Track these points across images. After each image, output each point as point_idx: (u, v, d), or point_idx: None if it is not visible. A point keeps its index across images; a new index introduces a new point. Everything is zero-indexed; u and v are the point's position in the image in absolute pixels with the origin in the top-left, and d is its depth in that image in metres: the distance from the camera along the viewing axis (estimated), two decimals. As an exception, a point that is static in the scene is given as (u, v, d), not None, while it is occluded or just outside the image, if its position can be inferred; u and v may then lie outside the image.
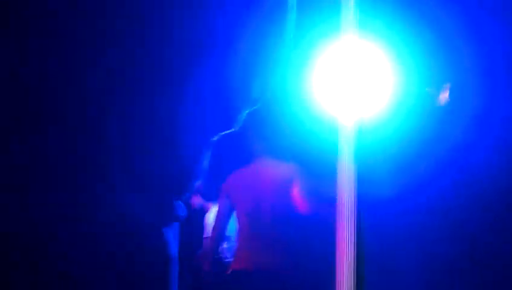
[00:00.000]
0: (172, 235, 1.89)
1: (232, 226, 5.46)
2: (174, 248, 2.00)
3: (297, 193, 4.81)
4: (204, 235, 5.52)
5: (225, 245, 5.56)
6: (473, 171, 5.71)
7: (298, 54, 4.20)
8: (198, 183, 5.25)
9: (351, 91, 3.73)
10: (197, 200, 5.44)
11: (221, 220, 5.08)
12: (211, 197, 5.47)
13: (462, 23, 5.00)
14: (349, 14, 3.65)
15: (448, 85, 4.74)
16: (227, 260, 5.59)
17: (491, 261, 5.60)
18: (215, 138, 2.16)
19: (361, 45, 3.71)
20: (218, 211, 5.09)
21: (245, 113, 2.03)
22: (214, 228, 5.09)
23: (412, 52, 4.36)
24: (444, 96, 4.89)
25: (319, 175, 4.79)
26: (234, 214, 5.12)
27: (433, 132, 5.33)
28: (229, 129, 2.03)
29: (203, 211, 5.53)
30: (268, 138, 5.06)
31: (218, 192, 5.30)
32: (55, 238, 4.75)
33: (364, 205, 3.68)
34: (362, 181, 3.64)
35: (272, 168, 4.88)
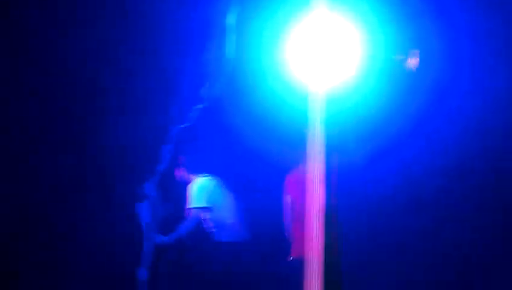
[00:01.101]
0: (144, 212, 2.01)
1: (216, 199, 5.69)
2: (146, 223, 2.12)
3: None
4: (191, 206, 5.62)
5: (207, 216, 5.68)
6: (437, 137, 5.83)
7: (271, 26, 4.28)
8: (182, 159, 5.36)
9: (321, 60, 3.87)
10: (181, 174, 5.55)
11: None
12: (193, 171, 5.58)
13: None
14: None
15: (416, 52, 4.85)
16: (210, 230, 5.75)
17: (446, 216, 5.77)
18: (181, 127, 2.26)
19: (330, 15, 3.83)
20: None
21: (217, 88, 2.12)
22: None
23: (380, 20, 4.47)
24: (412, 63, 5.00)
25: (290, 142, 4.90)
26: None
27: (400, 99, 5.48)
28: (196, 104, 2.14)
29: (186, 183, 5.64)
30: (243, 109, 5.23)
31: (200, 165, 5.60)
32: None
33: (334, 173, 3.81)
34: (331, 148, 3.75)
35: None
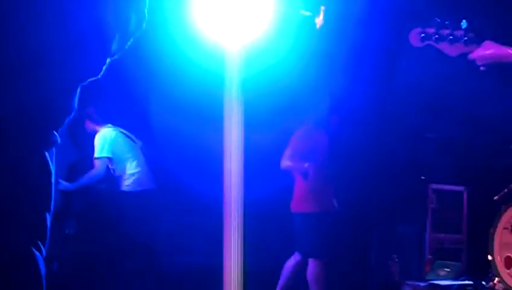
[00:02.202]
0: (52, 159, 1.94)
1: (120, 149, 5.78)
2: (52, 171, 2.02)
3: None
4: (95, 156, 5.73)
5: (111, 166, 5.83)
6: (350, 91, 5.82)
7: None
8: (89, 110, 5.70)
9: (232, 18, 3.74)
10: (89, 125, 5.84)
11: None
12: (100, 121, 5.81)
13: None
14: None
15: (323, 8, 4.80)
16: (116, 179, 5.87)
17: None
18: (86, 82, 2.13)
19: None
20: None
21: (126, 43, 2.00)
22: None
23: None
24: (320, 19, 4.94)
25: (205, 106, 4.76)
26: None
27: (312, 56, 5.43)
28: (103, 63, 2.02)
29: (94, 134, 5.80)
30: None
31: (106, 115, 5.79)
32: None
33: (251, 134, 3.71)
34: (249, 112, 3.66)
35: None
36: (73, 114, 2.10)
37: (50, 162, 2.05)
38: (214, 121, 3.77)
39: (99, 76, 2.13)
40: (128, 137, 5.95)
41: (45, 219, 2.05)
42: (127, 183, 5.84)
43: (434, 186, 6.06)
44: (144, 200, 5.83)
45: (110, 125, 5.88)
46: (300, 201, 5.51)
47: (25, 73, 1.97)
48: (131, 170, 5.84)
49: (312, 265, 5.43)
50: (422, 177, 6.12)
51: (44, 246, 2.05)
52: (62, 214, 5.78)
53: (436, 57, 2.82)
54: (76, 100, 2.11)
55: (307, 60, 5.48)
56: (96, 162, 5.75)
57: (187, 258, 6.18)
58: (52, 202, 2.07)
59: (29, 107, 1.98)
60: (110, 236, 5.68)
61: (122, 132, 5.91)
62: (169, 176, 6.11)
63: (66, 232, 5.72)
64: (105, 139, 5.77)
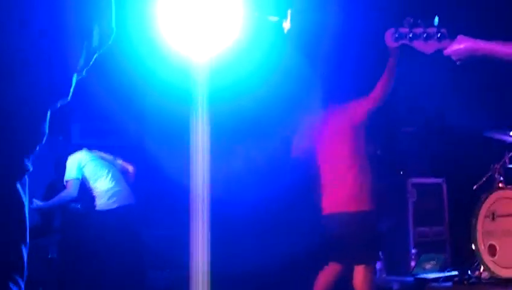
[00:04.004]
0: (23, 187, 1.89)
1: (92, 169, 5.81)
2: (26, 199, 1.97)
3: None
4: (65, 179, 5.78)
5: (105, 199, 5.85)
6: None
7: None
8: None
9: (199, 28, 3.68)
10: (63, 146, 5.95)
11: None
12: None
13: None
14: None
15: (289, 12, 4.77)
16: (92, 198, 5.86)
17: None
18: (58, 104, 2.06)
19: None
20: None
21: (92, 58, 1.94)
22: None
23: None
24: (287, 23, 4.91)
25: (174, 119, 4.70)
26: None
27: (281, 63, 5.39)
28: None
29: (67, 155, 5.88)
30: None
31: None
32: None
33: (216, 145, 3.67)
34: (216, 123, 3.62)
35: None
36: (44, 140, 2.03)
37: (22, 194, 1.98)
38: (182, 135, 3.72)
39: (68, 99, 2.06)
40: (103, 158, 6.00)
41: (21, 252, 1.98)
42: (101, 202, 5.86)
43: (413, 180, 6.07)
44: (120, 217, 5.83)
45: (85, 149, 5.96)
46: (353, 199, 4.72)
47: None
48: (104, 188, 5.86)
49: (363, 272, 4.64)
50: (401, 172, 6.13)
51: (23, 280, 1.98)
52: (44, 238, 5.82)
53: (409, 53, 2.81)
54: (46, 125, 2.03)
55: (277, 69, 5.42)
56: (68, 184, 5.80)
57: (172, 271, 6.15)
58: (27, 233, 2.00)
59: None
60: (91, 256, 5.65)
61: (95, 154, 5.97)
62: (144, 192, 6.12)
63: (49, 256, 5.69)
64: (76, 161, 5.83)
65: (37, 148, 2.02)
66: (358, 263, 4.63)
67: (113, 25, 2.10)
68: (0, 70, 1.89)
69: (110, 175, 5.91)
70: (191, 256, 3.43)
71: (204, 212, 3.49)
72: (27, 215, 1.99)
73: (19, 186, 1.96)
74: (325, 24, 5.51)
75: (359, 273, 4.62)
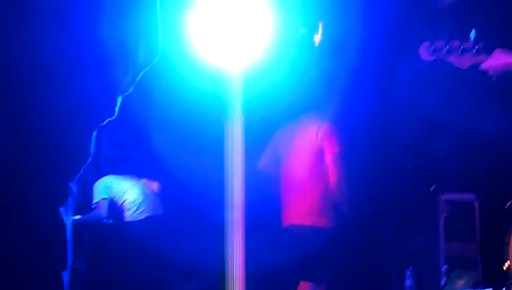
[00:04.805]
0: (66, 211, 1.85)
1: (117, 188, 5.93)
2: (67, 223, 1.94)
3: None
4: (93, 202, 5.89)
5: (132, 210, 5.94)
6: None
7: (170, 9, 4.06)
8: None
9: (232, 40, 3.68)
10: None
11: None
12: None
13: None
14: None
15: (320, 24, 4.75)
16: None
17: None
18: (102, 123, 2.03)
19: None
20: None
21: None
22: None
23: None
24: (318, 36, 4.90)
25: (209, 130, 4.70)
26: None
27: (314, 73, 5.36)
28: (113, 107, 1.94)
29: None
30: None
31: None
32: None
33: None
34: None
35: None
36: (89, 161, 2.00)
37: (64, 216, 1.97)
38: (216, 144, 3.72)
39: (114, 117, 2.04)
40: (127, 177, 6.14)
41: (61, 277, 1.96)
42: (130, 213, 5.95)
43: (444, 196, 5.97)
44: (148, 227, 5.91)
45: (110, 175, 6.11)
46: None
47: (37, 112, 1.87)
48: (132, 198, 5.96)
49: None
50: (432, 188, 6.04)
51: None
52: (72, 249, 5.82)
53: (438, 68, 2.76)
54: (92, 146, 2.01)
55: (306, 79, 5.40)
56: (97, 206, 5.93)
57: (198, 284, 6.13)
58: (68, 256, 1.99)
59: (44, 162, 1.89)
60: (118, 267, 5.71)
61: (116, 176, 6.11)
62: (176, 203, 6.14)
63: (75, 267, 5.70)
64: (102, 183, 5.98)
65: (81, 170, 1.99)
66: (306, 280, 4.63)
67: (159, 40, 2.08)
68: (46, 95, 1.87)
69: (136, 187, 6.03)
70: (227, 266, 3.42)
71: (239, 221, 3.48)
72: (69, 240, 1.97)
73: (61, 211, 1.93)
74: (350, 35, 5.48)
75: None
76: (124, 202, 5.95)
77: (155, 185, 6.19)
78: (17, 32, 1.82)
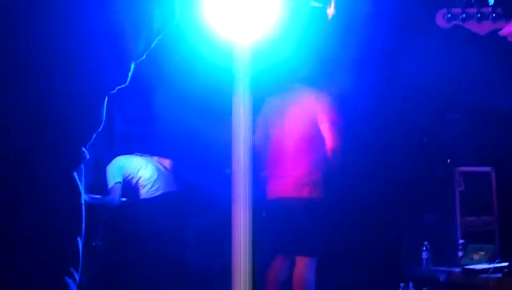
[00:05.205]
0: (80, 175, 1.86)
1: (131, 167, 5.92)
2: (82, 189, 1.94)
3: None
4: (108, 187, 5.83)
5: (147, 187, 5.88)
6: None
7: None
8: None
9: (241, 11, 3.62)
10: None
11: None
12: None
13: None
14: None
15: (332, -1, 4.66)
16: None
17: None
18: (116, 89, 2.01)
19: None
20: None
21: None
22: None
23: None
24: (331, 9, 4.81)
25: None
26: None
27: (324, 46, 5.29)
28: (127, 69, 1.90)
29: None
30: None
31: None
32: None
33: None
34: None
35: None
36: (101, 127, 1.98)
37: (79, 182, 1.94)
38: (223, 117, 3.67)
39: (126, 84, 2.01)
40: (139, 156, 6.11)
41: (77, 244, 1.94)
42: (145, 190, 5.93)
43: (461, 169, 5.90)
44: (164, 204, 5.90)
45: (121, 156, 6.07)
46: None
47: (45, 82, 1.84)
48: (147, 175, 5.94)
49: (310, 266, 4.49)
50: (448, 161, 5.97)
51: (77, 272, 1.93)
52: (89, 226, 5.82)
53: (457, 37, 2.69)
54: (104, 112, 1.99)
55: (316, 53, 5.32)
56: (111, 190, 5.87)
57: (214, 259, 6.12)
58: (83, 223, 1.96)
59: (54, 124, 1.86)
60: (135, 244, 5.72)
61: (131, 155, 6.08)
62: (184, 178, 6.15)
63: (93, 244, 5.72)
64: (115, 165, 5.93)
65: (94, 135, 1.98)
66: (302, 255, 4.44)
67: (175, 6, 2.06)
68: (58, 60, 1.85)
69: (150, 164, 6.01)
70: (233, 245, 3.38)
71: (246, 200, 3.43)
72: (83, 204, 1.95)
73: (75, 174, 1.92)
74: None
75: (301, 267, 4.44)
76: (139, 179, 5.94)
77: (167, 162, 6.18)
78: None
